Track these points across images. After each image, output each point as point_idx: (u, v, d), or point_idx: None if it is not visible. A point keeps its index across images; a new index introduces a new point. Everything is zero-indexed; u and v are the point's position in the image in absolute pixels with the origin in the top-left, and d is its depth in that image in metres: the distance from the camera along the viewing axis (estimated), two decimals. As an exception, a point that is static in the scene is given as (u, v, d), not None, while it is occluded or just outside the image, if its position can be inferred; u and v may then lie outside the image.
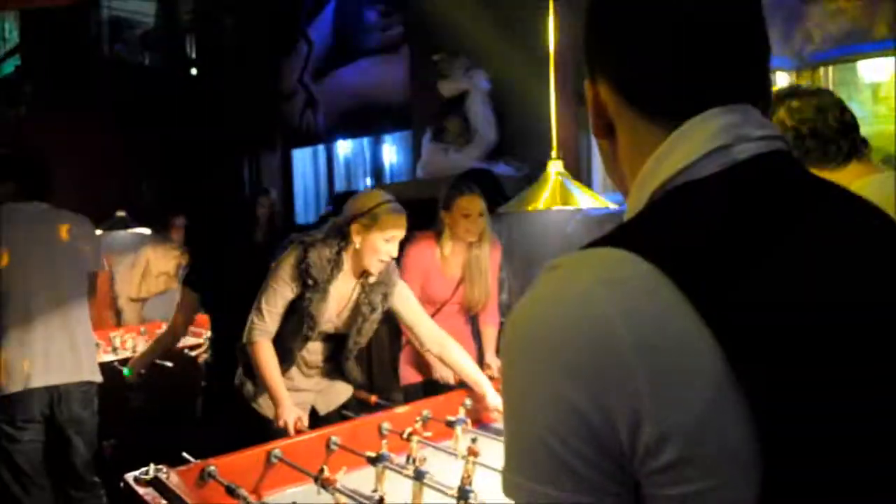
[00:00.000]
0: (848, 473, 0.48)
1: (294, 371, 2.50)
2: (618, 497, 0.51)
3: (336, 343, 2.54)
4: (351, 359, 2.55)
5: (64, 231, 2.77)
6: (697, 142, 0.58)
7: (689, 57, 0.59)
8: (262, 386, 2.38)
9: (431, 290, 2.94)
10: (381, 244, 2.29)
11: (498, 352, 3.09)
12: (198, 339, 4.01)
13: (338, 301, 2.43)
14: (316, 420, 2.50)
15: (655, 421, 0.48)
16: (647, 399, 0.48)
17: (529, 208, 1.96)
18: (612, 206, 2.28)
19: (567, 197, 1.94)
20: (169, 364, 3.42)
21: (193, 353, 3.50)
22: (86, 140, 5.22)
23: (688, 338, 0.48)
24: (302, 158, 6.60)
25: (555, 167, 2.02)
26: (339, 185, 6.35)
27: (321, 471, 1.78)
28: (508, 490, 0.56)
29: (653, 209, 0.59)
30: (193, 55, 6.61)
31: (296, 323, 2.38)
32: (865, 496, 0.49)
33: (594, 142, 3.72)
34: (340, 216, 2.39)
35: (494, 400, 2.40)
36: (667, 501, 0.49)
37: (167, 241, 4.36)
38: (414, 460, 2.06)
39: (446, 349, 2.51)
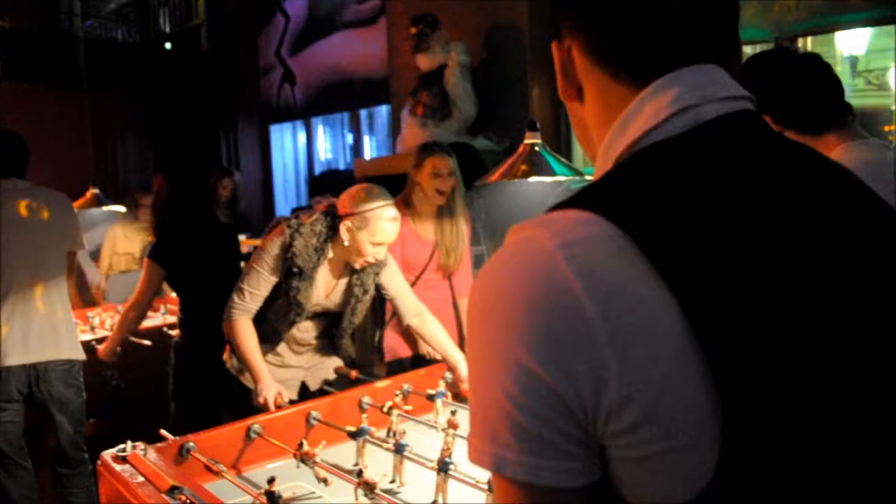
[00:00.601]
0: (808, 432, 0.48)
1: (283, 348, 2.51)
2: (583, 460, 0.51)
3: (328, 320, 2.54)
4: (346, 337, 2.57)
5: (43, 209, 2.73)
6: (663, 103, 0.58)
7: (659, 14, 0.59)
8: (241, 362, 2.38)
9: (407, 254, 2.93)
10: (368, 248, 2.28)
11: None
12: (174, 316, 3.98)
13: (325, 284, 2.43)
14: (305, 396, 2.51)
15: (618, 382, 0.48)
16: (609, 360, 0.48)
17: (506, 179, 1.95)
18: (591, 178, 2.27)
19: (544, 168, 1.93)
20: (147, 343, 3.39)
21: (173, 332, 3.47)
22: (58, 117, 5.13)
23: (649, 299, 0.49)
24: (280, 134, 6.51)
25: (532, 139, 2.00)
26: (318, 161, 6.29)
27: (300, 445, 1.77)
28: (474, 456, 0.56)
29: (618, 171, 0.59)
30: (167, 30, 6.49)
31: (282, 306, 2.38)
32: (826, 454, 0.49)
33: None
34: (332, 205, 2.36)
35: (467, 374, 2.38)
36: (631, 463, 0.49)
37: (137, 220, 4.30)
38: (394, 434, 2.07)
39: (424, 322, 2.52)
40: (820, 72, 1.65)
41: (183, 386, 3.11)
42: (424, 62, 4.09)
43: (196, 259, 3.03)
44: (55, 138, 4.96)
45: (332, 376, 2.61)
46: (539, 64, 4.08)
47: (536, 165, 1.92)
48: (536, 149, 1.96)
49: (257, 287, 2.34)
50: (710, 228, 0.51)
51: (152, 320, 3.98)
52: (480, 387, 0.55)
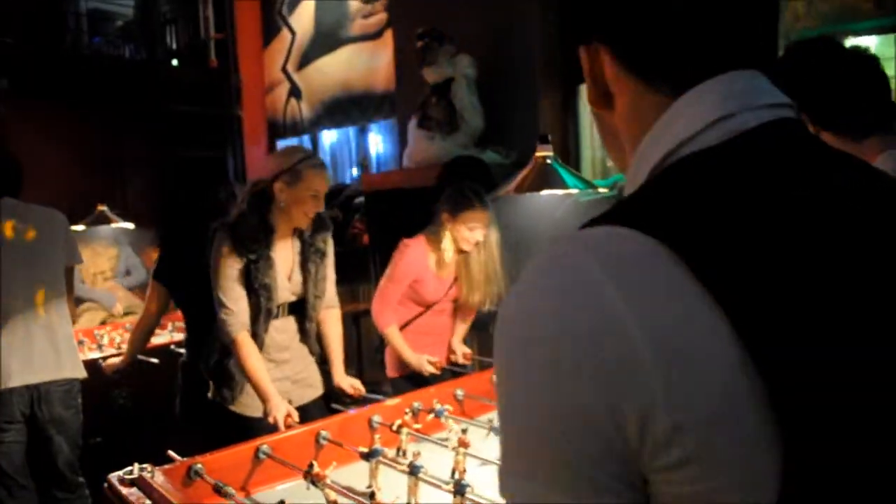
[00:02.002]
0: (872, 455, 0.44)
1: (265, 362, 2.41)
2: (625, 497, 0.47)
3: (300, 316, 2.51)
4: (313, 321, 2.53)
5: (38, 227, 2.71)
6: (700, 111, 0.54)
7: (695, 19, 0.55)
8: (247, 382, 2.34)
9: (425, 292, 2.90)
10: (307, 200, 2.29)
11: (464, 339, 3.09)
12: (182, 333, 3.95)
13: (284, 264, 2.42)
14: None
15: (667, 415, 0.44)
16: (658, 393, 0.44)
17: (518, 193, 1.91)
18: (603, 191, 2.25)
19: (557, 181, 1.89)
20: (154, 360, 3.36)
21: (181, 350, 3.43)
22: (66, 134, 5.13)
23: (701, 326, 0.45)
24: (287, 150, 6.52)
25: (543, 151, 1.97)
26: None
27: (310, 466, 1.73)
28: (506, 491, 0.52)
29: (655, 183, 0.55)
30: (174, 47, 6.52)
31: (254, 304, 2.34)
32: (891, 478, 0.45)
33: (582, 127, 3.67)
34: (256, 180, 2.37)
35: (340, 381, 2.54)
36: (679, 499, 0.45)
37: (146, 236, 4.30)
38: (404, 453, 2.03)
39: (328, 317, 2.59)
40: (869, 68, 1.50)
41: (190, 406, 3.07)
42: (431, 76, 4.07)
43: (199, 279, 3.01)
44: (62, 155, 4.96)
45: (317, 392, 2.59)
46: (547, 76, 4.06)
47: (549, 178, 1.89)
48: (548, 162, 1.93)
49: (233, 293, 2.31)
50: (758, 244, 0.47)
51: (160, 338, 3.96)
52: (512, 419, 0.51)
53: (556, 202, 3.75)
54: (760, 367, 0.43)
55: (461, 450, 1.87)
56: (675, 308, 0.45)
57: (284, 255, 2.42)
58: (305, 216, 2.33)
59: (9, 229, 2.63)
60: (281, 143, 6.56)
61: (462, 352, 3.00)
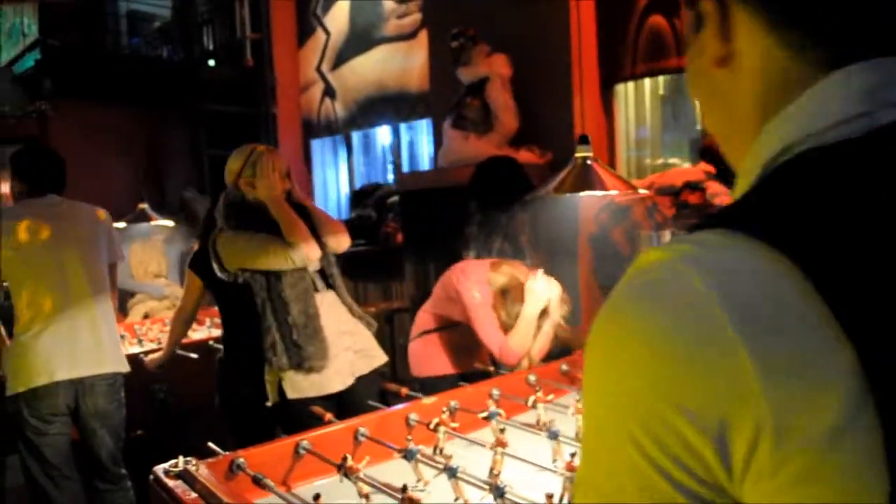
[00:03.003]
0: None
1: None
2: None
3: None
4: (340, 291, 2.72)
5: (81, 222, 2.77)
6: (834, 103, 0.47)
7: None
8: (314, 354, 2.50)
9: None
10: (274, 178, 2.50)
11: None
12: (220, 330, 4.01)
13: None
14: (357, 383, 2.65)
15: (777, 439, 0.40)
16: (767, 415, 0.40)
17: (557, 193, 1.91)
18: (643, 192, 2.23)
19: (596, 182, 1.89)
20: (193, 356, 3.42)
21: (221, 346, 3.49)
22: (106, 133, 5.23)
23: (821, 349, 0.40)
24: (321, 148, 6.57)
25: (583, 152, 1.96)
26: (359, 176, 6.32)
27: (344, 459, 1.76)
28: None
29: (772, 182, 0.48)
30: (211, 47, 6.61)
31: (292, 291, 2.51)
32: None
33: (618, 129, 3.65)
34: (220, 195, 2.64)
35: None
36: None
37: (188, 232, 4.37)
38: (441, 451, 2.05)
39: None
40: None
41: (227, 401, 3.12)
42: (465, 75, 4.08)
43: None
44: (103, 153, 5.06)
45: (380, 360, 2.76)
46: (583, 75, 4.04)
47: (589, 179, 1.88)
48: (588, 162, 1.92)
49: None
50: (890, 260, 0.41)
51: (198, 333, 4.03)
52: (600, 433, 0.48)
53: (593, 203, 3.74)
54: (878, 396, 0.40)
55: (499, 449, 1.88)
56: (796, 332, 0.41)
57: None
58: (272, 188, 2.50)
59: (53, 226, 2.70)
60: (315, 143, 6.62)
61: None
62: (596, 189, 1.93)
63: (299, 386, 2.48)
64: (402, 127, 5.75)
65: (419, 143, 5.71)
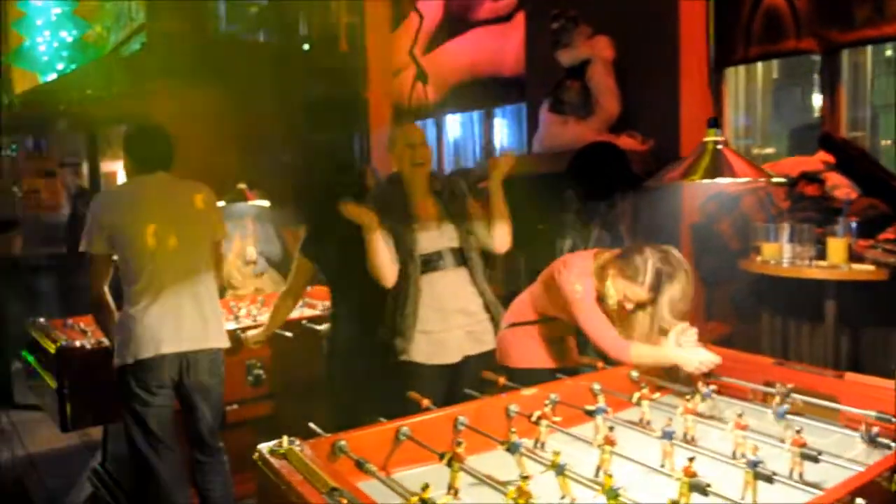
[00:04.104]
0: None
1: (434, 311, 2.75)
2: None
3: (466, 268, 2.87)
4: (477, 272, 2.92)
5: (189, 200, 2.82)
6: None
7: None
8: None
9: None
10: (405, 152, 2.78)
11: None
12: (313, 310, 4.05)
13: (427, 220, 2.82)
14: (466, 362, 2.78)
15: None
16: None
17: (684, 180, 1.79)
18: (778, 179, 2.08)
19: (727, 168, 1.76)
20: (288, 334, 3.46)
21: (319, 327, 3.52)
22: (206, 116, 5.37)
23: None
24: (411, 133, 6.55)
25: (714, 136, 1.83)
26: (449, 160, 6.28)
27: (459, 444, 1.72)
28: None
29: None
30: (306, 31, 6.68)
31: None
32: None
33: (726, 114, 3.44)
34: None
35: None
36: None
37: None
38: (542, 445, 1.98)
39: None
40: None
41: (334, 378, 3.15)
42: (566, 58, 3.95)
43: (347, 254, 3.05)
44: (203, 136, 5.19)
45: (485, 347, 2.83)
46: (688, 58, 3.84)
47: (719, 165, 1.75)
48: (719, 147, 1.79)
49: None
50: None
51: (293, 312, 4.07)
52: None
53: (698, 192, 3.57)
54: None
55: (607, 448, 1.79)
56: None
57: (426, 211, 2.82)
58: (412, 166, 2.76)
59: (162, 203, 2.75)
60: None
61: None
62: (727, 176, 1.79)
63: (413, 350, 2.70)
64: (495, 112, 5.66)
65: (512, 128, 5.60)
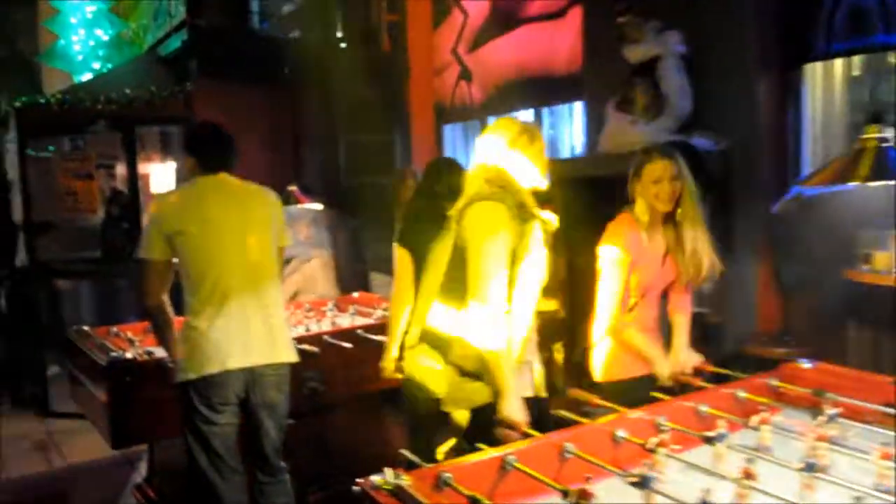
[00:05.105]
0: None
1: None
2: None
3: None
4: None
5: (255, 203, 2.65)
6: None
7: None
8: None
9: (646, 273, 2.64)
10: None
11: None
12: (366, 318, 3.87)
13: None
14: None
15: None
16: None
17: (843, 183, 1.59)
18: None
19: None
20: (347, 345, 3.28)
21: (374, 337, 3.33)
22: (249, 115, 5.23)
23: None
24: (453, 134, 6.38)
25: (876, 133, 1.62)
26: (494, 162, 6.08)
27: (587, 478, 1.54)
28: None
29: None
30: (345, 29, 6.52)
31: None
32: None
33: (803, 112, 3.22)
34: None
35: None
36: None
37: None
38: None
39: None
40: None
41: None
42: (634, 54, 3.75)
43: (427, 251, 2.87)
44: (246, 135, 5.03)
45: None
46: (764, 52, 3.63)
47: (887, 165, 1.54)
48: (884, 145, 1.59)
49: (499, 268, 2.23)
50: None
51: (342, 319, 3.91)
52: None
53: (778, 193, 3.36)
54: None
55: (745, 482, 1.60)
56: None
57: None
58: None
59: (226, 206, 2.58)
60: (447, 129, 6.43)
61: (692, 359, 2.67)
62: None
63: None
64: (545, 111, 5.46)
65: (562, 128, 5.40)
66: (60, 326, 5.86)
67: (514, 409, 2.14)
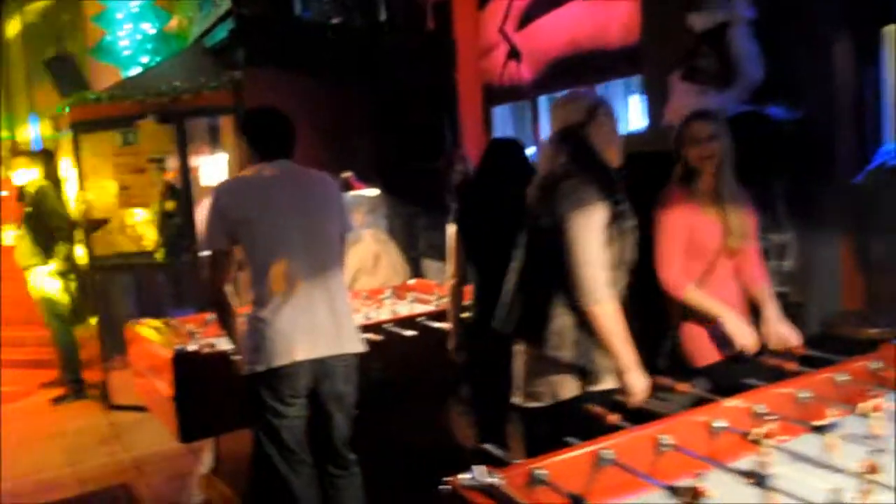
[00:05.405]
0: None
1: None
2: None
3: None
4: None
5: (317, 189, 2.57)
6: None
7: None
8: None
9: (704, 234, 2.55)
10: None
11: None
12: (425, 305, 3.78)
13: None
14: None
15: None
16: None
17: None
18: None
19: None
20: (410, 333, 3.19)
21: (440, 325, 3.24)
22: (297, 102, 5.15)
23: None
24: (502, 116, 6.23)
25: None
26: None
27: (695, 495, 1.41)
28: None
29: None
30: (391, 12, 6.41)
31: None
32: None
33: (884, 78, 3.00)
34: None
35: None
36: None
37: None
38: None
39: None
40: None
41: (475, 369, 2.88)
42: (700, 21, 3.56)
43: (489, 233, 2.76)
44: (296, 122, 4.98)
45: None
46: (840, 14, 3.41)
47: None
48: None
49: (592, 252, 2.09)
50: None
51: (401, 307, 3.82)
52: None
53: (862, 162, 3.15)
54: None
55: (867, 476, 1.46)
56: None
57: None
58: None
59: (288, 193, 2.50)
60: (496, 110, 6.29)
61: (784, 334, 2.52)
62: None
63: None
64: (599, 89, 5.27)
65: (617, 103, 5.21)
66: (117, 319, 5.94)
67: (632, 379, 2.07)
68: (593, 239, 2.10)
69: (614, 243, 2.16)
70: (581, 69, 5.19)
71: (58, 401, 5.77)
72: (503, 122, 6.30)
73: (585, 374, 2.15)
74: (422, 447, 3.20)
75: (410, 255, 5.44)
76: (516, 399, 2.26)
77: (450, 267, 3.00)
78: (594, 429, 1.95)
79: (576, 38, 5.22)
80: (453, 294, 2.99)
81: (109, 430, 5.06)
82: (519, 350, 2.26)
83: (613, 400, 2.09)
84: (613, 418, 1.89)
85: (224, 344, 2.92)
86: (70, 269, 5.68)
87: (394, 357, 3.12)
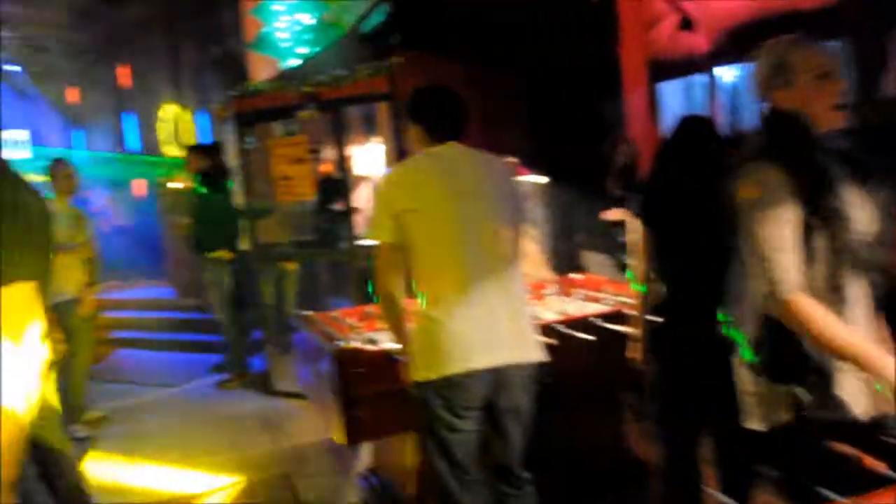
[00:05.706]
0: None
1: None
2: None
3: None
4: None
5: (493, 175, 2.31)
6: None
7: None
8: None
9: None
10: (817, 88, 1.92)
11: None
12: (599, 305, 3.44)
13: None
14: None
15: None
16: None
17: None
18: None
19: None
20: (589, 337, 2.88)
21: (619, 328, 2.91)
22: (457, 87, 4.96)
23: None
24: (672, 93, 5.72)
25: None
26: (724, 122, 5.36)
27: None
28: None
29: None
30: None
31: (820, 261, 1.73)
32: None
33: None
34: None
35: None
36: None
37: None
38: None
39: None
40: None
41: (667, 382, 2.55)
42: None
43: (687, 227, 2.41)
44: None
45: None
46: None
47: None
48: None
49: (781, 240, 1.69)
50: None
51: (570, 305, 3.51)
52: None
53: None
54: None
55: None
56: None
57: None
58: (829, 110, 1.83)
59: (461, 179, 2.27)
60: (664, 86, 5.78)
61: None
62: None
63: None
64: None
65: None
66: (279, 308, 6.06)
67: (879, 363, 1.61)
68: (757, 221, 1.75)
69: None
70: (768, 35, 4.59)
71: (223, 385, 5.98)
72: (673, 99, 5.78)
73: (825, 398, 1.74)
74: (595, 464, 2.90)
75: (569, 246, 5.11)
76: (752, 423, 1.84)
77: (640, 266, 2.64)
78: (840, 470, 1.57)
79: (762, 2, 4.64)
80: (643, 297, 2.64)
81: (272, 416, 5.15)
82: (741, 363, 1.88)
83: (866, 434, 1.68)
84: (877, 464, 1.49)
85: (386, 340, 2.76)
86: (238, 258, 5.86)
87: (567, 364, 2.81)
